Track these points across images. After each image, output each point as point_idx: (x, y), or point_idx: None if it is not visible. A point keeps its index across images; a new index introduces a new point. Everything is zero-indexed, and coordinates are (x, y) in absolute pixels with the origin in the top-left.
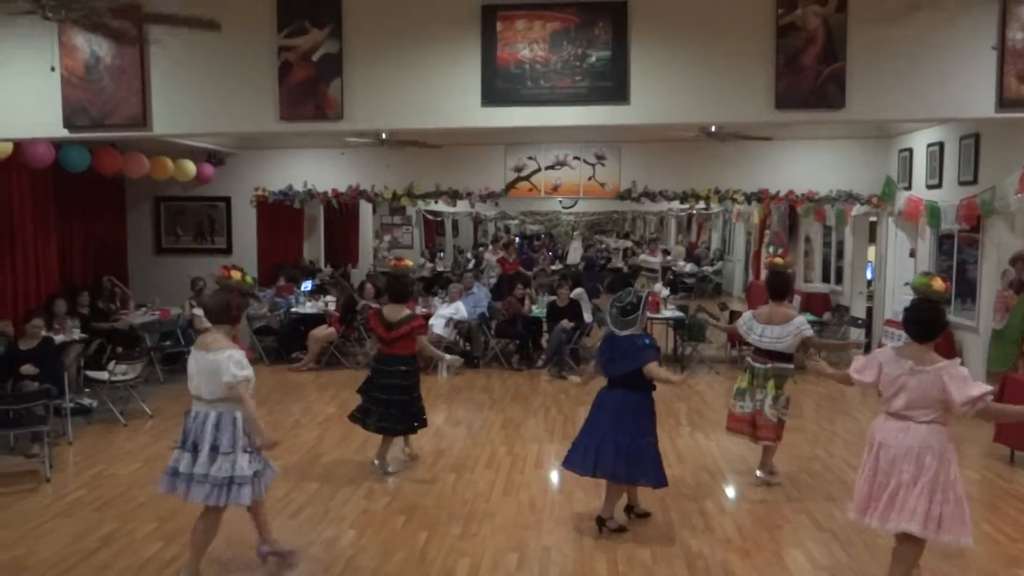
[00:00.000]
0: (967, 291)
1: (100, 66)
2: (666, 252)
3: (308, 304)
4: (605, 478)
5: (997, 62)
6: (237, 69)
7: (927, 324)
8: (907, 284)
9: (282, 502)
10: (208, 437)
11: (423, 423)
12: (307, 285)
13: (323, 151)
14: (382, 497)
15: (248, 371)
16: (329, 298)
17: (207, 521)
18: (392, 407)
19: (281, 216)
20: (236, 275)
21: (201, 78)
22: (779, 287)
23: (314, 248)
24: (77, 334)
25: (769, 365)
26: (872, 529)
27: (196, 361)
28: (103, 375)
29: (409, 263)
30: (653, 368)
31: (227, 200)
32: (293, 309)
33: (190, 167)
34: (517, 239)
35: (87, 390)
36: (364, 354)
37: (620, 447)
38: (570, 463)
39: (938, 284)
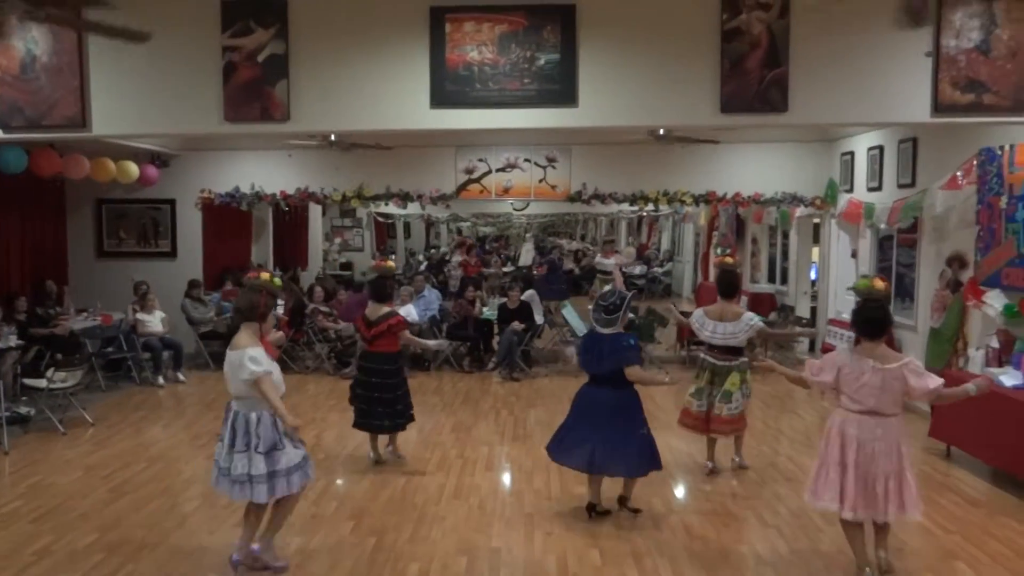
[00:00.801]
0: (906, 291)
1: (36, 65)
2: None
3: None
4: (604, 475)
5: (932, 69)
6: (180, 69)
7: (878, 321)
8: (849, 289)
9: (227, 509)
10: (228, 433)
11: (410, 419)
12: None
13: (271, 153)
14: (330, 502)
15: (264, 366)
16: (278, 302)
17: (250, 516)
18: (377, 405)
19: (228, 219)
20: (265, 276)
21: (143, 78)
22: (728, 285)
23: (262, 251)
24: (14, 341)
25: (736, 362)
26: (854, 519)
27: (226, 359)
28: (41, 383)
29: (391, 263)
30: (635, 371)
31: (171, 202)
32: None
33: (133, 169)
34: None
35: (24, 398)
36: (314, 358)
37: (616, 444)
38: (560, 456)
39: (879, 284)
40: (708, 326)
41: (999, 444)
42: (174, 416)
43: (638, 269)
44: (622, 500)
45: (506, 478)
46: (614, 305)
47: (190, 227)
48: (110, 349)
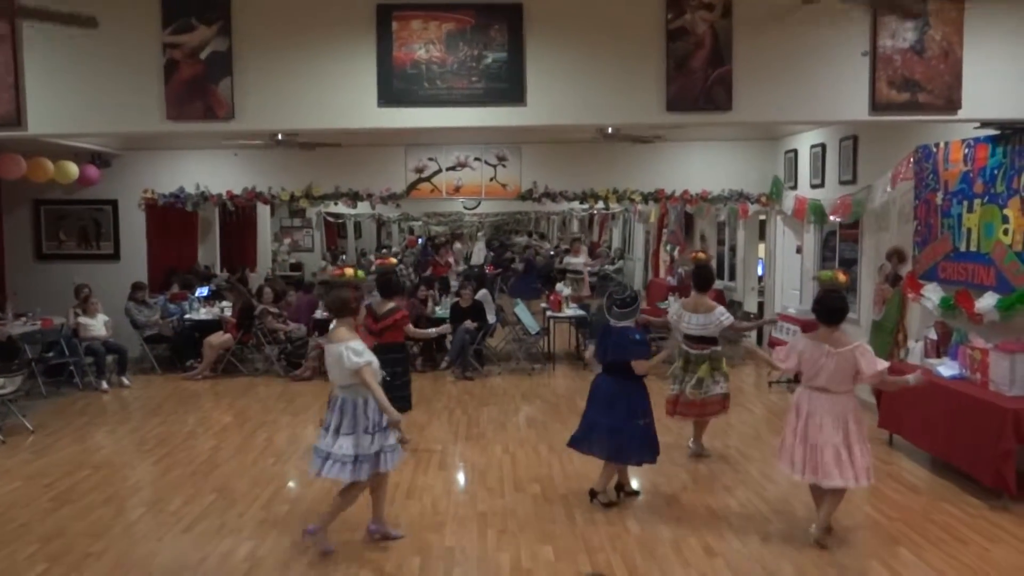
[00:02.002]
0: (848, 285)
1: None
2: (567, 251)
3: (203, 310)
4: (599, 458)
5: (869, 68)
6: (120, 66)
7: (837, 311)
8: (814, 278)
9: (175, 516)
10: (335, 418)
11: (409, 406)
12: (202, 291)
13: (216, 152)
14: (281, 506)
15: (366, 356)
16: (225, 304)
17: (346, 495)
18: (388, 391)
19: (173, 220)
20: (349, 272)
21: (81, 75)
22: (703, 279)
23: (209, 252)
24: None
25: (707, 351)
26: (803, 482)
27: (327, 352)
28: None
29: (393, 260)
30: (641, 365)
31: (113, 203)
32: (187, 316)
33: (72, 169)
34: (420, 240)
35: None
36: (263, 360)
37: (612, 429)
38: (574, 443)
39: (841, 277)
40: (685, 317)
41: (937, 433)
42: (119, 421)
43: (598, 267)
44: (619, 487)
45: (459, 477)
46: (627, 300)
47: (133, 228)
48: (51, 354)
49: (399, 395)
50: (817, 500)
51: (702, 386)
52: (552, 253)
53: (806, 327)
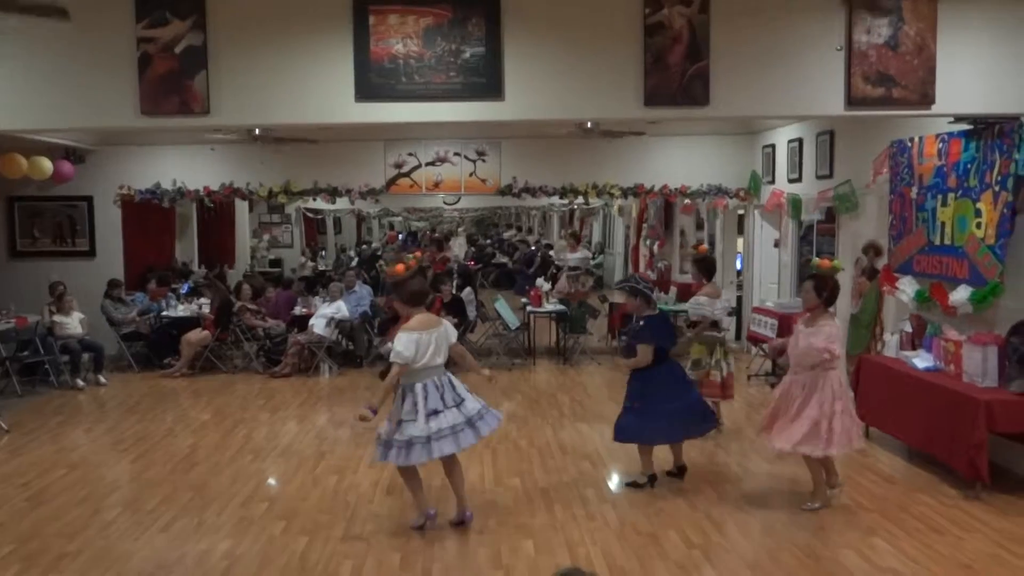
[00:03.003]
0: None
1: None
2: (549, 246)
3: (181, 307)
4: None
5: (845, 62)
6: (93, 60)
7: (830, 291)
8: (812, 266)
9: (152, 515)
10: (431, 400)
11: None
12: (185, 287)
13: (192, 148)
14: (259, 504)
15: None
16: (203, 300)
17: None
18: None
19: (150, 216)
20: (401, 268)
21: (54, 69)
22: (709, 269)
23: (187, 249)
24: None
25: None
26: (774, 449)
27: (429, 338)
28: None
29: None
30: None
31: (89, 199)
32: (165, 313)
33: (46, 165)
34: (401, 236)
35: None
36: (242, 357)
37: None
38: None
39: (837, 264)
40: (714, 305)
41: (913, 424)
42: (95, 420)
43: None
44: (679, 469)
45: (440, 473)
46: (647, 288)
47: (109, 225)
48: (25, 353)
49: None
50: (810, 467)
51: (702, 364)
52: (533, 248)
53: (783, 320)
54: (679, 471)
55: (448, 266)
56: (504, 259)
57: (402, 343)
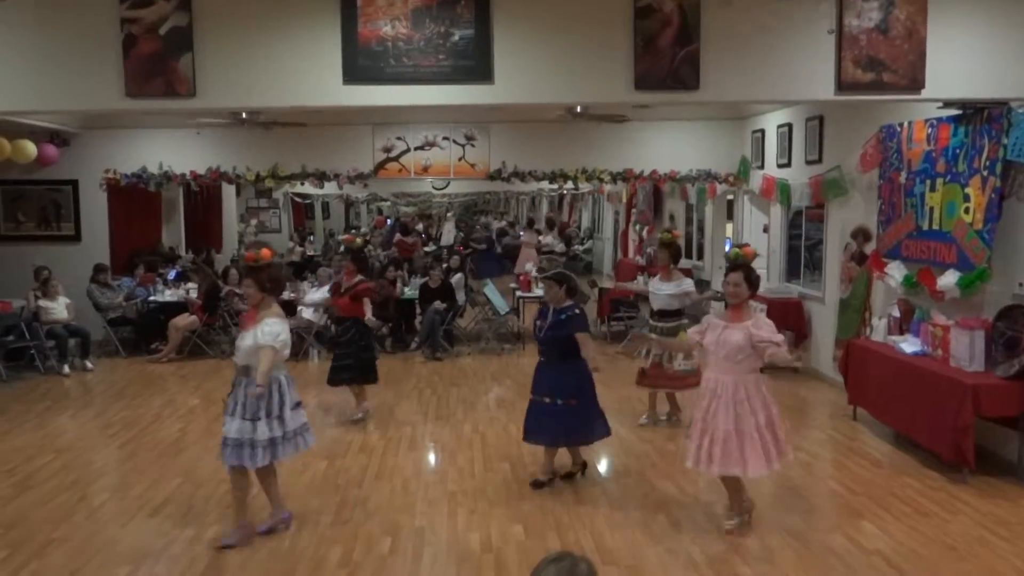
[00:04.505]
0: (815, 264)
1: None
2: (539, 231)
3: (168, 292)
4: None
5: (835, 47)
6: (75, 41)
7: (756, 281)
8: (726, 256)
9: (139, 500)
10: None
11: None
12: (172, 272)
13: (179, 131)
14: (249, 488)
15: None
16: (191, 285)
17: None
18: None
19: (136, 200)
20: (267, 253)
21: (35, 51)
22: (677, 254)
23: (174, 233)
24: None
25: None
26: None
27: (285, 331)
28: None
29: (359, 240)
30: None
31: (74, 183)
32: (152, 298)
33: (30, 148)
34: (389, 221)
35: None
36: (230, 342)
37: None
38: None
39: (755, 251)
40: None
41: (900, 408)
42: (82, 406)
43: (559, 247)
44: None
45: (430, 457)
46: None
47: (95, 209)
48: (10, 338)
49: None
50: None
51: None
52: (497, 228)
53: (772, 305)
54: (582, 469)
55: (416, 252)
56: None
57: (280, 326)
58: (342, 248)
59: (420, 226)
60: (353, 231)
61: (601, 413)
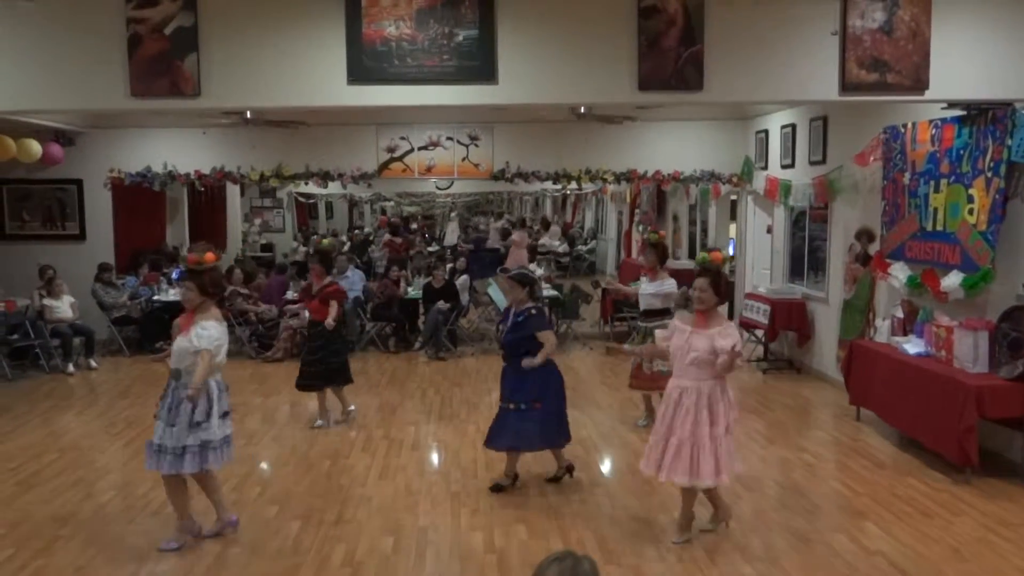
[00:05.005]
0: (818, 265)
1: None
2: (531, 230)
3: (172, 292)
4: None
5: (839, 48)
6: (82, 41)
7: (725, 286)
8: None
9: (144, 499)
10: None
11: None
12: (177, 272)
13: (184, 130)
14: (253, 488)
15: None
16: None
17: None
18: None
19: (140, 199)
20: (211, 256)
21: (40, 50)
22: (664, 255)
23: (178, 233)
24: None
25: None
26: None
27: (223, 334)
28: None
29: (327, 241)
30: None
31: (78, 183)
32: (156, 297)
33: (35, 147)
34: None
35: None
36: (234, 341)
37: None
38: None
39: (725, 255)
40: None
41: (903, 409)
42: (86, 404)
43: (563, 247)
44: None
45: (433, 457)
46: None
47: (99, 208)
48: (15, 336)
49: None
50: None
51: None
52: (499, 228)
53: (776, 306)
54: (569, 472)
55: (410, 251)
56: (498, 245)
57: (218, 331)
58: (346, 247)
59: (413, 226)
60: (356, 231)
61: (565, 419)
